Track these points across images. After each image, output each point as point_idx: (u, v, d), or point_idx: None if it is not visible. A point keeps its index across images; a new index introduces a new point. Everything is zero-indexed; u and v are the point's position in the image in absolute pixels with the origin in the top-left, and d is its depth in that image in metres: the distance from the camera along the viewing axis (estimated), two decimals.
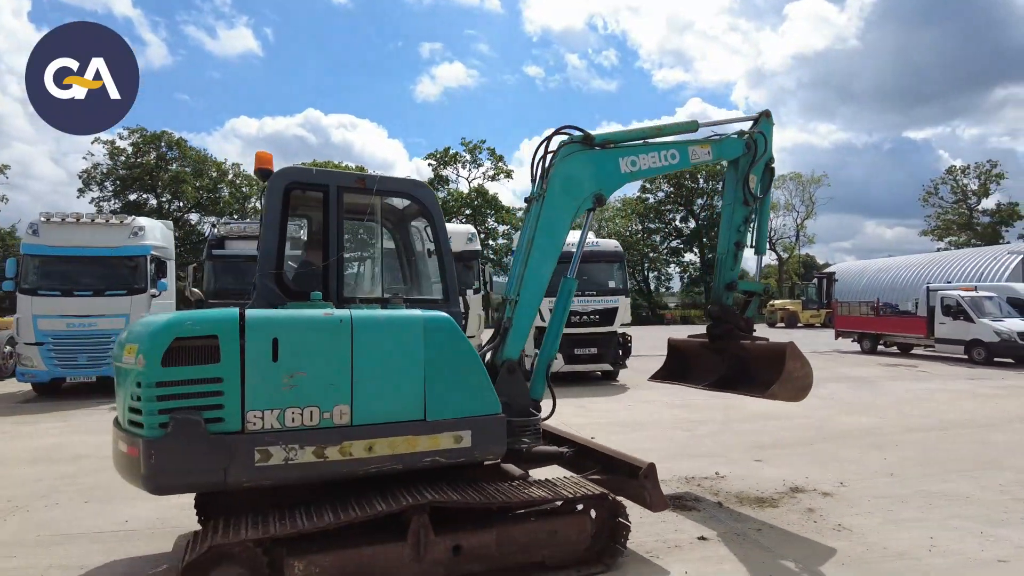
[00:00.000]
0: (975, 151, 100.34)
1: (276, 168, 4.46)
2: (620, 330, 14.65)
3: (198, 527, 5.14)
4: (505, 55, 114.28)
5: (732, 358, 6.06)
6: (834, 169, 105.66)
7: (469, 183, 54.01)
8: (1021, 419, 10.00)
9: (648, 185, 60.48)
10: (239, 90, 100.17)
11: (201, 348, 3.52)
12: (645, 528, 5.07)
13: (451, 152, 53.91)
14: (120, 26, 79.27)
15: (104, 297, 13.21)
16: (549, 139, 5.28)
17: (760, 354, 5.78)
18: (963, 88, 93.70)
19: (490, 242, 49.79)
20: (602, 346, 14.47)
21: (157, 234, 14.61)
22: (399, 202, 5.43)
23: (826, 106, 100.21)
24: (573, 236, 5.71)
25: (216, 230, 14.64)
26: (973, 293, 19.15)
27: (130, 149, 46.49)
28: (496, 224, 52.05)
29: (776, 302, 42.17)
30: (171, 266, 15.45)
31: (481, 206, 51.38)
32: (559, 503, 4.42)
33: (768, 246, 62.14)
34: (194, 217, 49.15)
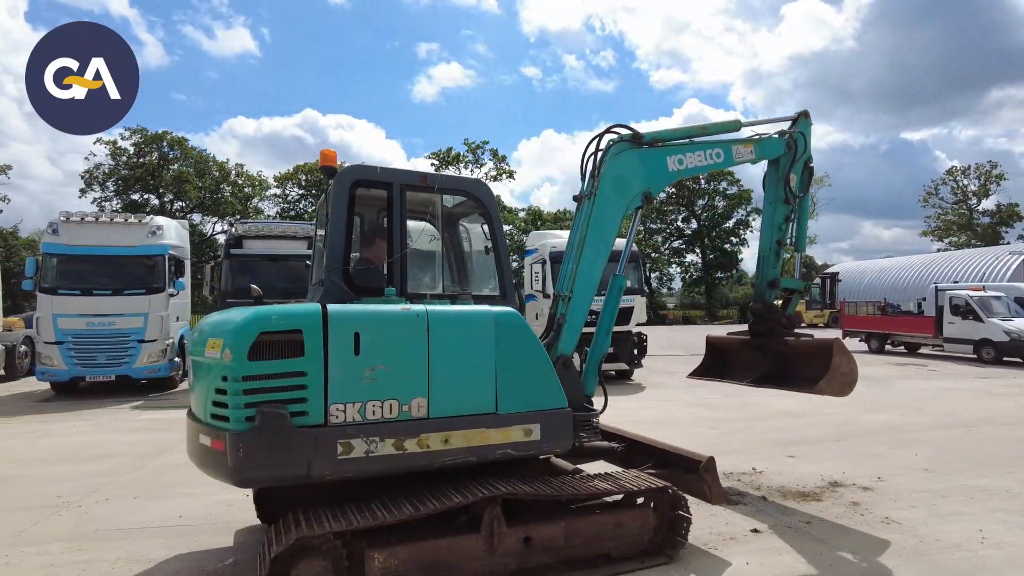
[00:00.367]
0: (972, 152, 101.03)
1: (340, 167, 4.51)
2: (635, 329, 14.74)
3: (254, 521, 5.25)
4: (502, 55, 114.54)
5: (774, 355, 6.14)
6: (831, 170, 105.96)
7: None
8: None
9: None
10: (237, 90, 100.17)
11: (286, 342, 3.58)
12: (696, 522, 5.09)
13: (453, 152, 54.02)
14: (116, 26, 79.28)
15: (123, 296, 13.25)
16: (600, 138, 5.35)
17: (805, 350, 5.86)
18: (959, 89, 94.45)
19: None
20: (618, 345, 14.51)
21: (173, 233, 14.63)
22: (447, 200, 5.49)
23: (823, 107, 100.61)
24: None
25: (234, 229, 14.68)
26: (982, 293, 19.30)
27: (132, 149, 46.48)
28: None
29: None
30: (187, 265, 15.49)
31: None
32: (620, 496, 4.50)
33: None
34: (196, 217, 49.11)
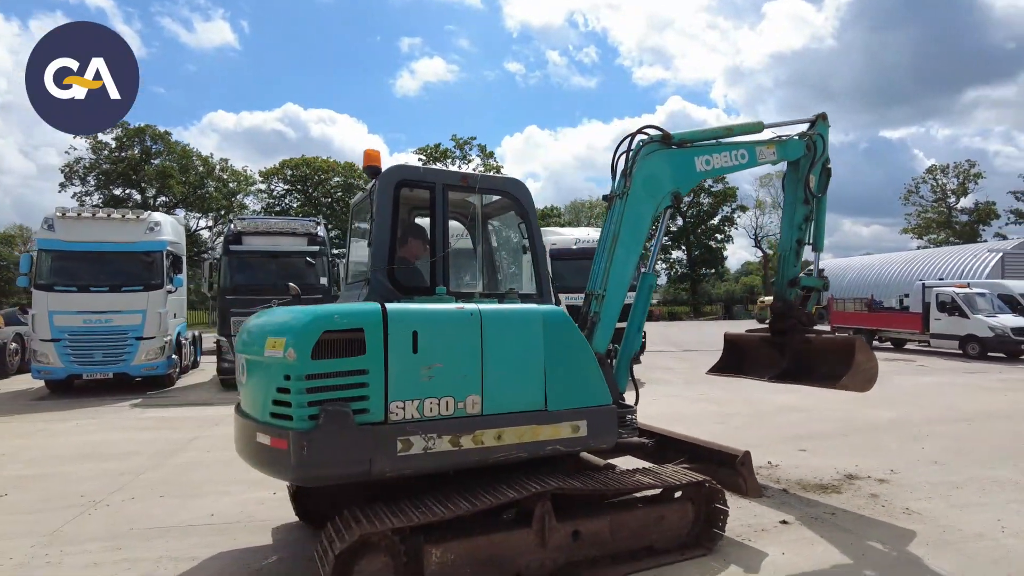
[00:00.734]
0: (948, 151, 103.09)
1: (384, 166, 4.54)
2: None
3: (288, 519, 5.28)
4: (485, 51, 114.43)
5: (794, 351, 6.28)
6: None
7: None
8: None
9: None
10: (216, 84, 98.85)
11: (348, 341, 3.61)
12: None
13: (441, 148, 53.85)
14: (93, 16, 77.69)
15: (121, 293, 13.09)
16: (632, 138, 5.43)
17: (826, 348, 6.00)
18: (936, 89, 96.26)
19: None
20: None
21: (169, 229, 14.48)
22: (478, 200, 5.54)
23: (803, 105, 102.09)
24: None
25: (233, 225, 14.57)
26: (967, 290, 19.77)
27: (113, 143, 45.67)
28: None
29: (765, 298, 42.85)
30: (184, 262, 15.35)
31: None
32: (660, 490, 4.60)
33: (755, 243, 63.18)
34: (180, 213, 48.43)
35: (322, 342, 3.55)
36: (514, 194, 4.98)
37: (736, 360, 6.96)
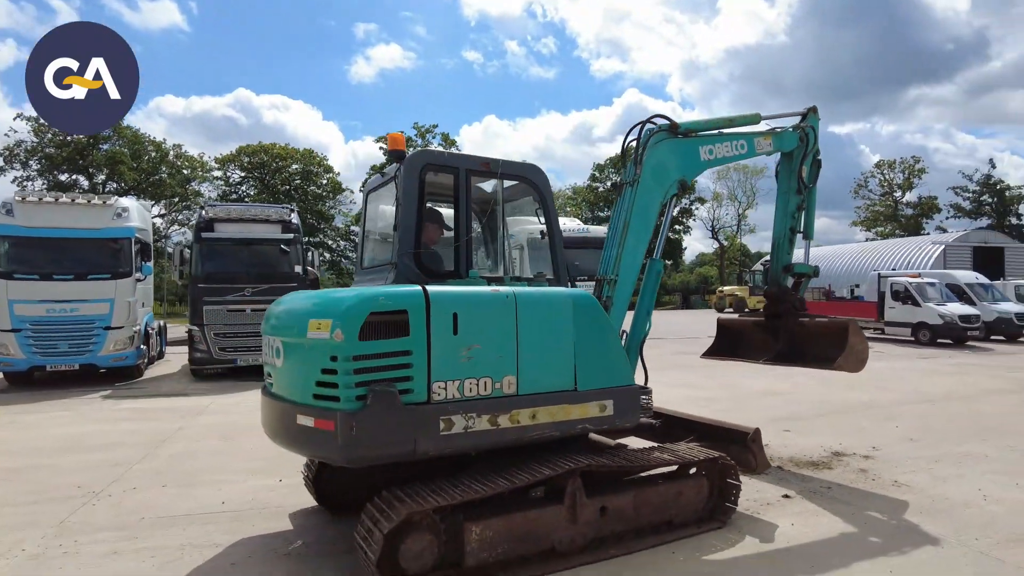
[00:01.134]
0: (892, 147, 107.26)
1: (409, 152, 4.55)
2: None
3: (303, 505, 5.26)
4: (443, 39, 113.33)
5: (789, 335, 6.56)
6: (762, 161, 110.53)
7: None
8: (997, 392, 11.16)
9: (597, 175, 61.76)
10: (164, 67, 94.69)
11: (392, 323, 3.64)
12: None
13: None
14: None
15: (87, 281, 12.61)
16: (642, 127, 5.57)
17: (820, 331, 6.30)
18: (881, 87, 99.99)
19: None
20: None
21: (136, 215, 13.98)
22: (488, 187, 5.59)
23: (757, 99, 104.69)
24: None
25: (204, 212, 14.16)
26: (919, 280, 20.79)
27: None
28: None
29: (725, 288, 44.08)
30: (152, 249, 14.87)
31: None
32: (676, 467, 4.78)
33: (712, 235, 64.70)
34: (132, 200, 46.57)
35: (368, 323, 3.57)
36: (532, 179, 5.04)
37: (729, 344, 7.22)
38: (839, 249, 47.30)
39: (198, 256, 13.47)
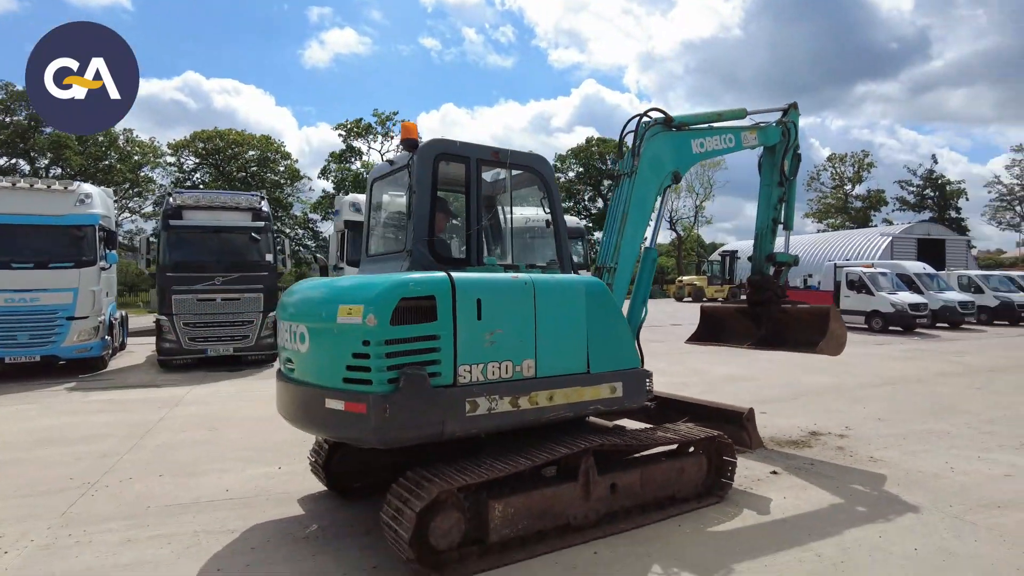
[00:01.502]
0: (841, 141, 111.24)
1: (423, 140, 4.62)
2: None
3: (311, 491, 5.31)
4: (399, 24, 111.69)
5: (771, 321, 6.89)
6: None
7: (382, 156, 52.87)
8: (948, 375, 11.90)
9: (559, 165, 62.10)
10: None
11: (421, 308, 3.74)
12: None
13: (363, 123, 52.47)
14: None
15: (48, 270, 12.15)
16: (639, 119, 5.76)
17: (802, 317, 6.64)
18: (831, 82, 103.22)
19: None
20: None
21: (99, 202, 13.50)
22: (488, 176, 5.70)
23: (712, 92, 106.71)
24: None
25: (171, 199, 13.77)
26: (872, 269, 21.78)
27: None
28: None
29: (684, 278, 45.12)
30: (116, 238, 14.39)
31: None
32: (675, 446, 5.03)
33: (671, 225, 65.96)
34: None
35: (400, 309, 3.66)
36: (538, 169, 5.17)
37: (712, 330, 7.53)
38: (793, 240, 48.95)
39: (166, 245, 13.11)
